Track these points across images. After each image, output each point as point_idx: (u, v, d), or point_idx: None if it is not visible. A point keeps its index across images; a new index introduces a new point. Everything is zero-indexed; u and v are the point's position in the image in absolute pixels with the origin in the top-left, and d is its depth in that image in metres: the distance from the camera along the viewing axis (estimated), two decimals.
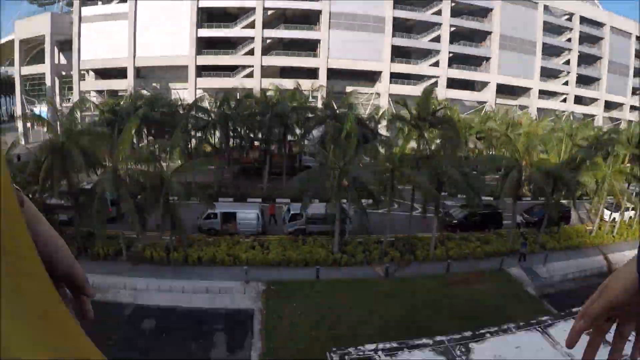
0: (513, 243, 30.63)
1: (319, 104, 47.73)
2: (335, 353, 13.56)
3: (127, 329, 19.76)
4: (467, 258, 29.07)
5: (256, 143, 47.80)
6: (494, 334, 15.95)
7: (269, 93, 43.64)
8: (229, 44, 60.12)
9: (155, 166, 24.80)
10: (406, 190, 30.46)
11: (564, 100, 73.62)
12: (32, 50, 64.68)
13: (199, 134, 39.46)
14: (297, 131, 41.35)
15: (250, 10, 58.38)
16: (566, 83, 74.80)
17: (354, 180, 25.04)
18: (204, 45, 59.30)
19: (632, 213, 38.76)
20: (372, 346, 16.08)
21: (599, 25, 76.34)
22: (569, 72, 74.40)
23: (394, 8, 61.63)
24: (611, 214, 36.09)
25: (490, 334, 16.06)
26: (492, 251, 29.64)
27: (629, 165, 35.43)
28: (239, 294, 22.76)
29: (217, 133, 39.77)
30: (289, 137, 42.83)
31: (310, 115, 40.26)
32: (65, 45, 60.31)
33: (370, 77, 61.15)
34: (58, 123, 28.12)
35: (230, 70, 57.41)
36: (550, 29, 71.87)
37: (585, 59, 76.79)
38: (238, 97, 41.79)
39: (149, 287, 22.76)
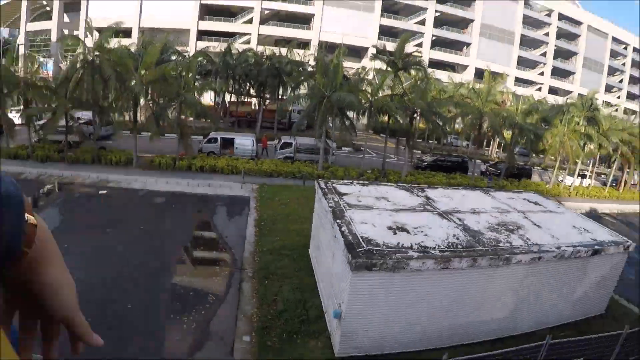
0: (475, 181, 34.95)
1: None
2: (321, 181, 17.69)
3: (141, 203, 23.52)
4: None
5: (250, 100, 52.44)
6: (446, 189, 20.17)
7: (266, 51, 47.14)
8: (229, 13, 64.06)
9: (171, 83, 28.52)
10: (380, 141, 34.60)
11: (539, 90, 77.98)
12: (36, 11, 67.82)
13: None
14: (290, 92, 45.20)
15: None
16: (542, 74, 79.62)
17: (338, 102, 28.92)
18: (206, 11, 63.15)
19: (590, 181, 43.61)
20: (350, 180, 20.11)
21: (577, 23, 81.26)
22: (545, 64, 79.24)
23: None
24: (572, 181, 40.74)
25: (442, 189, 20.28)
26: (456, 184, 32.83)
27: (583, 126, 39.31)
28: (237, 188, 26.81)
29: (217, 83, 43.08)
30: (282, 96, 47.14)
31: (302, 69, 44.13)
32: (69, 7, 63.44)
33: (358, 53, 65.05)
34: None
35: (229, 37, 61.03)
36: (529, 22, 76.67)
37: (562, 54, 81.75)
38: (240, 51, 45.26)
39: (158, 181, 26.62)
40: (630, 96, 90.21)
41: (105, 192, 24.46)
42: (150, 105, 28.12)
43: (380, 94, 32.76)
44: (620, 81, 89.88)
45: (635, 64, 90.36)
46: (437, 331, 11.99)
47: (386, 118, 34.10)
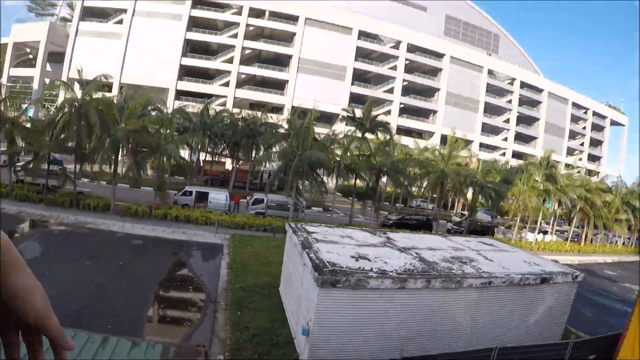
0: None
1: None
2: (292, 223, 18.95)
3: (119, 244, 24.41)
4: None
5: (223, 160, 54.14)
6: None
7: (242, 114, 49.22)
8: (206, 76, 66.80)
9: (152, 134, 30.04)
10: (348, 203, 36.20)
11: (503, 154, 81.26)
12: (19, 57, 69.92)
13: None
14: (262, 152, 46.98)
15: (230, 47, 65.93)
16: (506, 139, 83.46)
17: (308, 160, 30.62)
18: (185, 72, 65.82)
19: (552, 237, 45.83)
20: (318, 224, 21.33)
21: (538, 90, 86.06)
22: (508, 130, 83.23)
23: (355, 60, 69.95)
24: (534, 237, 42.56)
25: (403, 232, 21.64)
26: None
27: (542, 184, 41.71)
28: (211, 236, 27.88)
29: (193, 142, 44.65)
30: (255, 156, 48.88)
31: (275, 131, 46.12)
32: (53, 56, 65.66)
33: (329, 119, 67.76)
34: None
35: (206, 97, 63.41)
36: (493, 90, 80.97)
37: (525, 119, 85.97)
38: (217, 111, 47.33)
39: (135, 226, 27.59)
40: (592, 158, 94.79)
41: (83, 231, 25.44)
42: (132, 154, 29.34)
43: (349, 155, 34.74)
44: (582, 144, 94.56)
45: (595, 127, 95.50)
46: (395, 345, 13.04)
47: (354, 179, 35.93)
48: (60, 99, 31.21)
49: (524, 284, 14.77)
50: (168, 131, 32.30)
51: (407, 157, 40.16)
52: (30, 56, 70.49)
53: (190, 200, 34.30)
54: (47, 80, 65.70)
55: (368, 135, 36.37)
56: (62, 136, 29.34)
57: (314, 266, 12.18)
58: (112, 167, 30.48)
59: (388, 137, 37.54)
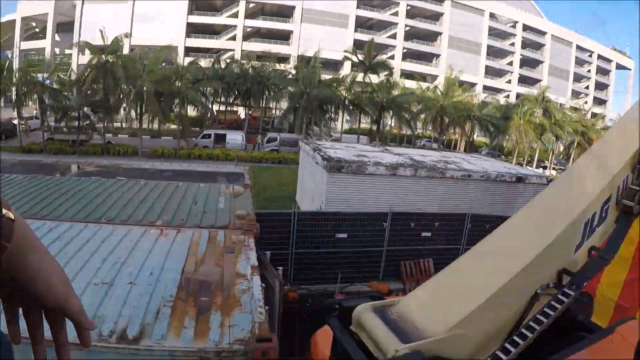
0: None
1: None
2: (303, 140, 22.09)
3: (152, 177, 27.66)
4: None
5: (236, 109, 57.04)
6: None
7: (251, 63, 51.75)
8: (213, 32, 68.97)
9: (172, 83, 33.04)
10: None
11: (507, 97, 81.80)
12: (28, 31, 72.38)
13: None
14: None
15: (234, 2, 67.70)
16: (509, 82, 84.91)
17: (316, 97, 33.49)
18: (192, 30, 67.99)
19: (550, 172, 48.32)
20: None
21: (541, 33, 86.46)
22: (512, 72, 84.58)
23: (357, 7, 71.42)
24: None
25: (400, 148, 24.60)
26: None
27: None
28: (232, 168, 30.97)
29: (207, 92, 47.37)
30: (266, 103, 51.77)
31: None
32: (61, 27, 68.03)
33: (335, 66, 69.83)
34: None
35: (214, 53, 65.76)
36: (495, 34, 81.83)
37: (528, 62, 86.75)
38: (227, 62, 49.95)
39: (163, 164, 30.81)
40: (597, 101, 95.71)
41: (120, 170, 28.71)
42: (157, 101, 32.38)
43: (353, 92, 37.48)
44: (587, 87, 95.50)
45: (600, 70, 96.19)
46: None
47: (358, 118, 38.74)
48: (74, 64, 33.87)
49: (500, 180, 17.62)
50: (188, 78, 35.23)
51: (408, 93, 42.63)
52: (37, 30, 72.66)
53: (209, 142, 37.44)
54: (57, 50, 68.38)
55: (370, 75, 38.93)
56: (89, 92, 32.27)
57: (323, 158, 15.23)
58: (138, 116, 33.63)
59: (388, 75, 40.09)
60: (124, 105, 33.59)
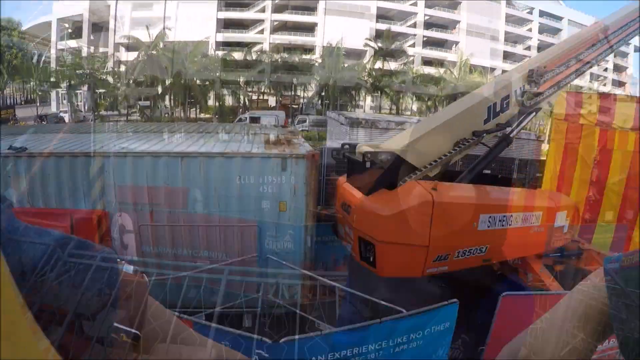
0: None
1: None
2: (329, 113, 26.17)
3: None
4: None
5: (266, 98, 61.39)
6: None
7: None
8: (242, 26, 73.28)
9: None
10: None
11: None
12: (61, 32, 77.66)
13: None
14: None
15: None
16: None
17: (342, 81, 37.37)
18: (222, 25, 72.32)
19: None
20: None
21: (558, 18, 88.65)
22: (530, 57, 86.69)
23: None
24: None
25: None
26: None
27: None
28: None
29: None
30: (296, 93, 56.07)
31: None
32: (94, 27, 73.05)
33: (358, 56, 73.54)
34: None
35: (244, 46, 70.19)
36: (513, 20, 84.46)
37: (546, 47, 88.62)
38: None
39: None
40: (616, 83, 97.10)
41: None
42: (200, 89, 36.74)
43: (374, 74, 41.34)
44: (605, 69, 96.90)
45: (618, 53, 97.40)
46: None
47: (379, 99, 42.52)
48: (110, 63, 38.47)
49: None
50: (225, 68, 39.52)
51: (424, 75, 46.14)
52: (69, 30, 77.82)
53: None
54: (92, 49, 73.40)
55: (389, 62, 42.75)
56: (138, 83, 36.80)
57: (345, 117, 19.30)
58: (184, 99, 38.02)
59: (407, 61, 43.88)
60: (168, 94, 37.90)
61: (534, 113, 9.56)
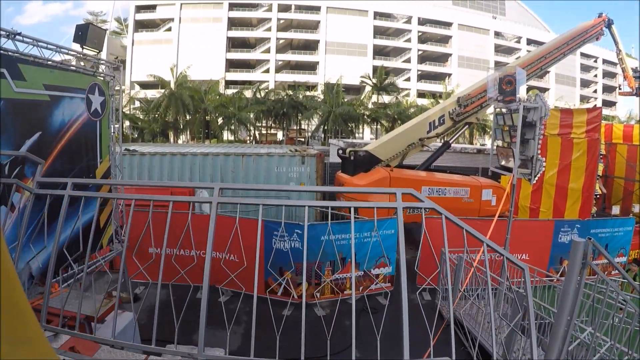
0: None
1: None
2: (331, 141, 30.81)
3: None
4: None
5: (274, 132, 66.42)
6: None
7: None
8: (249, 66, 79.13)
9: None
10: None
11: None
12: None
13: None
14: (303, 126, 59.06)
15: (266, 40, 78.30)
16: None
17: (341, 115, 42.27)
18: (230, 65, 78.17)
19: None
20: None
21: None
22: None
23: (374, 37, 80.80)
24: None
25: None
26: None
27: None
28: None
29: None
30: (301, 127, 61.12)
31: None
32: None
33: (357, 91, 78.45)
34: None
35: (250, 85, 75.56)
36: (502, 50, 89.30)
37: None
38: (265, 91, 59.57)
39: None
40: (606, 103, 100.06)
41: None
42: (216, 122, 41.70)
43: (370, 107, 46.25)
44: (595, 91, 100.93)
45: (606, 74, 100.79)
46: None
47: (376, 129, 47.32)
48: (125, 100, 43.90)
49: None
50: (237, 106, 44.58)
51: (416, 107, 51.16)
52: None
53: None
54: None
55: (383, 96, 47.77)
56: (163, 116, 41.85)
57: (344, 142, 23.87)
58: (203, 131, 42.97)
59: (400, 95, 48.87)
60: (191, 125, 42.75)
61: (467, 125, 14.20)
